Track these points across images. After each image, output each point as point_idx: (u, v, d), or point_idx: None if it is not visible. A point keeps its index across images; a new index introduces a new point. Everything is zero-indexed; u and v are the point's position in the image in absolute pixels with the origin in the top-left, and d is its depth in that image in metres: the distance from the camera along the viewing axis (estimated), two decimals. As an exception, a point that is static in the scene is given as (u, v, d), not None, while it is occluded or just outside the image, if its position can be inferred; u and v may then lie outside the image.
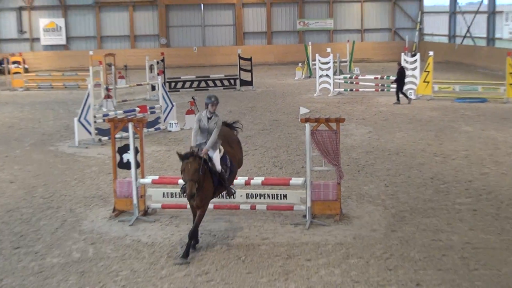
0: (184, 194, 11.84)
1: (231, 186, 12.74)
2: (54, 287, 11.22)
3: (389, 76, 32.93)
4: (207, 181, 11.66)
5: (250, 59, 37.56)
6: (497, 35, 46.16)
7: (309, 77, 41.18)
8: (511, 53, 32.31)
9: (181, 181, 12.68)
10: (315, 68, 35.69)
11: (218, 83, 37.46)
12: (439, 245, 12.71)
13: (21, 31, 50.93)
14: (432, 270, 11.49)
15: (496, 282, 10.92)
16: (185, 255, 11.47)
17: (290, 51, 51.41)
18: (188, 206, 12.75)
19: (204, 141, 11.99)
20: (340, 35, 52.59)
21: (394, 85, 31.40)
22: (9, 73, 41.08)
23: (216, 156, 12.01)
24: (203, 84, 36.95)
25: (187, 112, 25.79)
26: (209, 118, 12.09)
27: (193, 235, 11.60)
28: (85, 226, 14.33)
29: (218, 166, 12.04)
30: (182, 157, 11.37)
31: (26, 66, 46.29)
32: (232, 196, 13.06)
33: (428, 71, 31.96)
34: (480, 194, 15.99)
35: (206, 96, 12.36)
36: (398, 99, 30.81)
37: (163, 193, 14.64)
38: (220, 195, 13.08)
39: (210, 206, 14.27)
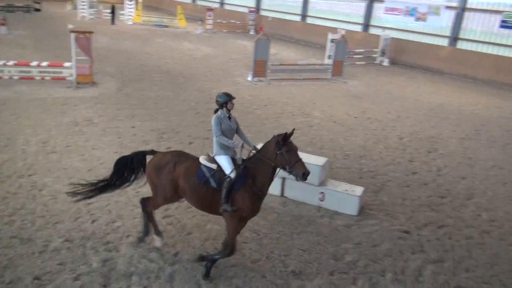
0: (298, 178, 4.62)
1: None
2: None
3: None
4: None
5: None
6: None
7: (74, 9, 35.51)
8: (180, 3, 31.46)
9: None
10: (77, 3, 31.19)
11: (20, 10, 30.97)
12: (144, 97, 12.52)
13: None
14: (140, 109, 11.36)
15: (170, 111, 11.11)
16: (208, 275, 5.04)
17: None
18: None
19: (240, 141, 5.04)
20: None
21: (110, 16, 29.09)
22: None
23: None
24: (10, 9, 30.29)
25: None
26: (229, 118, 5.05)
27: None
28: None
29: None
30: (288, 137, 4.63)
31: None
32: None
33: (139, 10, 29.95)
34: (165, 71, 15.89)
35: (222, 94, 4.96)
36: (112, 23, 28.62)
37: None
38: None
39: (17, 76, 12.23)
